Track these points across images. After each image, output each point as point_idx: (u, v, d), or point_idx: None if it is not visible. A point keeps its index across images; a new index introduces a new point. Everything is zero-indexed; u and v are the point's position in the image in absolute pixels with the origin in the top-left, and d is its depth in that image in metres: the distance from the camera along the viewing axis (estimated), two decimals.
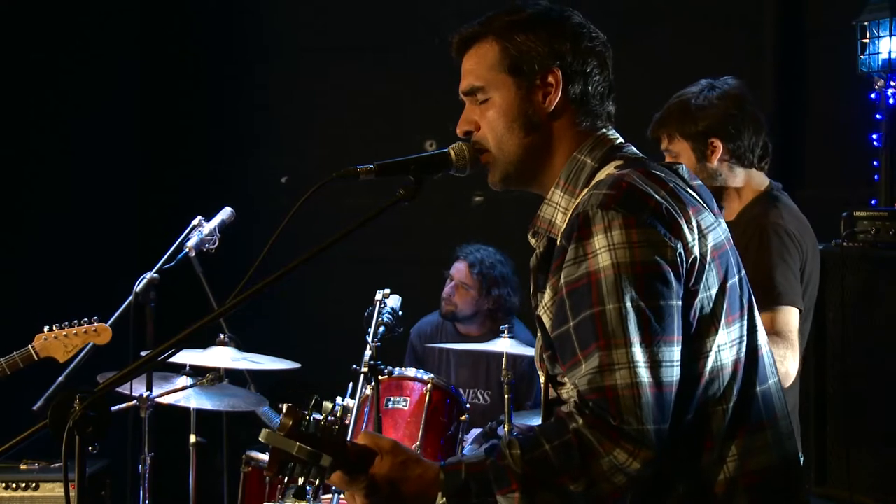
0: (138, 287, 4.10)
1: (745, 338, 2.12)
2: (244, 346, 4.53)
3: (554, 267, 2.09)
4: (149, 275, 4.12)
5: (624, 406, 1.94)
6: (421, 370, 4.66)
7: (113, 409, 2.71)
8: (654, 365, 1.97)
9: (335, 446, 1.99)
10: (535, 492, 1.96)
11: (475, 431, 4.96)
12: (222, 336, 4.48)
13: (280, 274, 2.11)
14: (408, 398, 4.46)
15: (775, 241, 3.33)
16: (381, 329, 4.09)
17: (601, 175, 2.15)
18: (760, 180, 3.52)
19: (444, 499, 1.99)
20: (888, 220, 4.18)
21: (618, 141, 2.25)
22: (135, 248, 6.13)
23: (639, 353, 1.96)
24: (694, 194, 2.17)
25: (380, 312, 4.13)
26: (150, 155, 6.45)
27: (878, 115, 4.99)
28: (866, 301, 4.21)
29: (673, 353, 1.99)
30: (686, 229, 2.05)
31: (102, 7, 6.09)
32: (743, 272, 2.18)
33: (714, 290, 2.07)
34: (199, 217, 4.34)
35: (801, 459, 3.50)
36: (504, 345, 4.50)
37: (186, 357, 4.31)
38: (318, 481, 2.00)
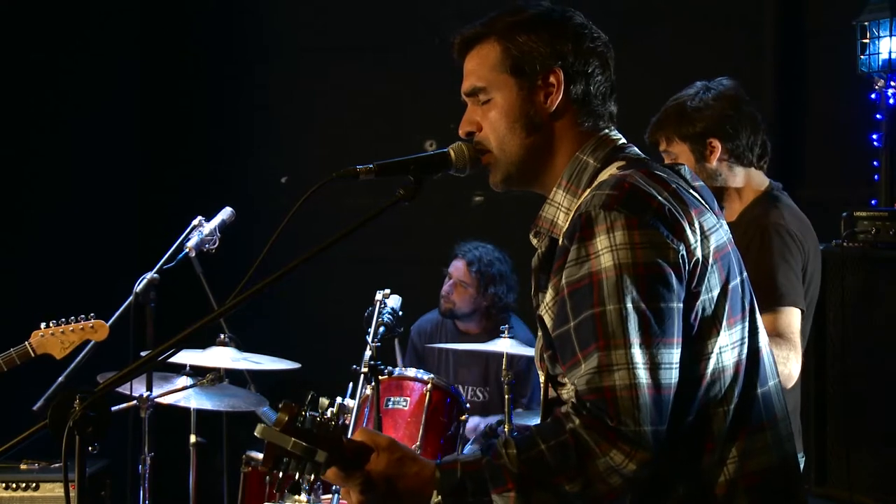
0: (138, 287, 4.10)
1: (746, 339, 2.12)
2: (244, 346, 4.53)
3: (556, 267, 2.09)
4: (149, 275, 4.12)
5: (622, 407, 1.93)
6: (421, 370, 4.66)
7: (113, 409, 2.71)
8: (654, 367, 1.96)
9: (331, 442, 1.99)
10: (530, 491, 1.96)
11: (475, 419, 5.00)
12: (222, 336, 4.48)
13: (280, 274, 2.11)
14: (408, 398, 4.47)
15: (777, 241, 3.32)
16: (381, 329, 4.10)
17: (604, 175, 2.15)
18: (760, 180, 3.52)
19: (440, 497, 1.99)
20: (888, 220, 4.18)
21: (620, 141, 2.25)
22: (135, 248, 6.13)
23: (638, 355, 1.96)
24: (696, 195, 2.16)
25: (380, 312, 4.13)
26: (150, 155, 6.45)
27: (878, 115, 4.99)
28: (866, 301, 4.21)
29: (672, 356, 1.99)
30: (689, 231, 2.04)
31: (102, 7, 6.09)
32: (744, 274, 2.18)
33: (716, 292, 2.07)
34: (199, 217, 4.34)
35: (802, 459, 3.52)
36: (504, 345, 4.51)
37: (186, 357, 4.31)
38: (313, 477, 2.00)
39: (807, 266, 3.38)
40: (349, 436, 2.07)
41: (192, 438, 4.55)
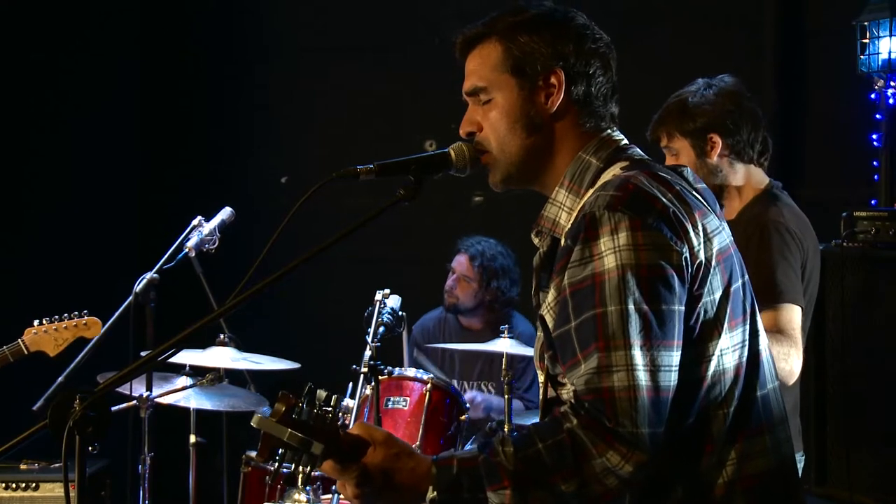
0: (138, 287, 4.09)
1: (747, 342, 2.12)
2: (244, 346, 4.53)
3: (558, 267, 2.08)
4: (149, 275, 4.12)
5: (620, 408, 1.93)
6: (420, 370, 4.67)
7: (113, 409, 2.71)
8: (653, 369, 1.96)
9: (327, 434, 1.98)
10: (526, 489, 1.96)
11: (474, 393, 5.15)
12: (222, 336, 4.47)
13: (280, 274, 2.11)
14: (408, 398, 4.47)
15: (776, 238, 3.33)
16: (381, 329, 4.10)
17: (607, 176, 2.15)
18: (760, 178, 3.52)
19: (435, 493, 1.99)
20: (888, 220, 4.18)
21: (623, 142, 2.25)
22: (135, 248, 6.13)
23: (638, 356, 1.95)
24: (699, 197, 2.16)
25: (380, 312, 4.13)
26: (150, 155, 6.45)
27: (878, 115, 4.99)
28: (866, 301, 4.21)
29: (672, 358, 1.99)
30: (692, 233, 2.04)
31: (102, 7, 6.09)
32: (746, 276, 2.18)
33: (718, 295, 2.07)
34: (199, 217, 4.34)
35: (803, 459, 3.52)
36: (504, 345, 4.51)
37: (186, 357, 4.31)
38: (308, 468, 2.00)
39: (806, 264, 3.38)
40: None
41: (192, 438, 4.55)
